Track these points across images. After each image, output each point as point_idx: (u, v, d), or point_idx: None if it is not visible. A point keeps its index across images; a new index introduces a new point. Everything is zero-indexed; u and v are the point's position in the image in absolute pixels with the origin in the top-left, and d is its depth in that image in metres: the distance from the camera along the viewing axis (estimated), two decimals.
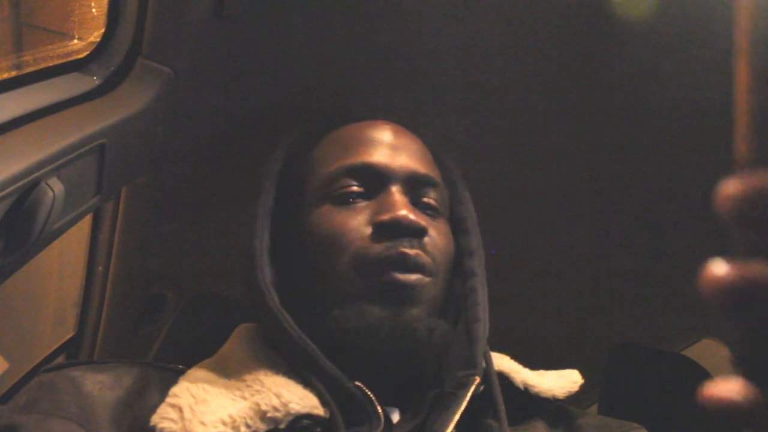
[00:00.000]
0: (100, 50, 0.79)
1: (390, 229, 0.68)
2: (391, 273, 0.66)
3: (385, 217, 0.68)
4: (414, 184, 0.73)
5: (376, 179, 0.71)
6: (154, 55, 0.80)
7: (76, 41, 0.81)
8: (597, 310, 1.28)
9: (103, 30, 0.79)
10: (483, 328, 0.70)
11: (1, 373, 1.45)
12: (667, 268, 1.18)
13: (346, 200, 0.71)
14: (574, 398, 0.74)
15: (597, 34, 0.87)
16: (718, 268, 0.22)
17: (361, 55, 0.91)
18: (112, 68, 0.79)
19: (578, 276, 1.22)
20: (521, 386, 0.70)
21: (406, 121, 0.79)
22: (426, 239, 0.70)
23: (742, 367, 0.23)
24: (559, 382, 0.72)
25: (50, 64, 0.76)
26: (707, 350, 1.30)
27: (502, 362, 0.73)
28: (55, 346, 1.45)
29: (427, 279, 0.68)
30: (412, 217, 0.68)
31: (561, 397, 0.71)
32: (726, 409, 0.23)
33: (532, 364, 0.75)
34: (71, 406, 0.60)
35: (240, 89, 0.93)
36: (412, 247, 0.68)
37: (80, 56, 0.79)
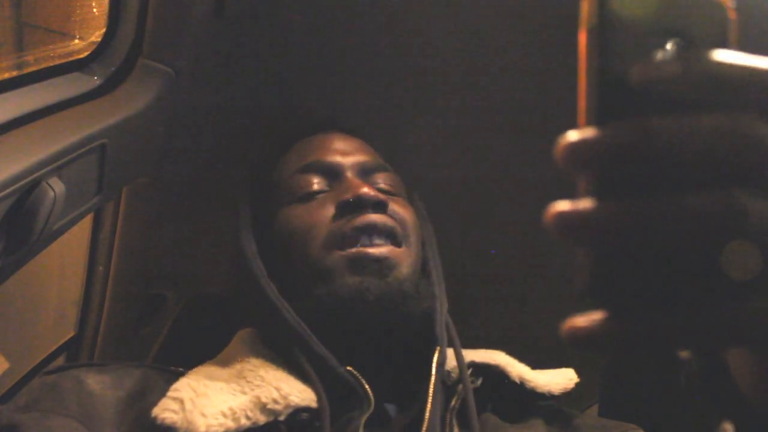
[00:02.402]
0: (101, 50, 0.79)
1: (353, 206, 0.72)
2: (360, 247, 0.70)
3: (347, 196, 0.73)
4: (366, 172, 0.79)
5: (331, 173, 0.77)
6: (155, 55, 0.80)
7: (77, 41, 0.81)
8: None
9: (104, 30, 0.79)
10: (440, 304, 0.73)
11: (1, 373, 1.45)
12: None
13: (309, 197, 0.76)
14: (574, 398, 0.74)
15: None
16: (558, 205, 0.25)
17: (360, 54, 0.91)
18: (113, 68, 0.79)
19: None
20: (517, 380, 0.71)
21: (358, 131, 0.86)
22: (389, 211, 0.74)
23: (590, 296, 0.25)
24: (555, 378, 0.73)
25: (51, 64, 0.76)
26: None
27: (498, 357, 0.74)
28: (55, 346, 1.45)
29: (398, 249, 0.72)
30: (371, 192, 0.73)
31: (557, 394, 0.72)
32: (584, 339, 0.25)
33: (532, 363, 0.76)
34: (72, 404, 0.61)
35: (240, 89, 0.93)
36: (376, 215, 0.72)
37: (81, 56, 0.78)
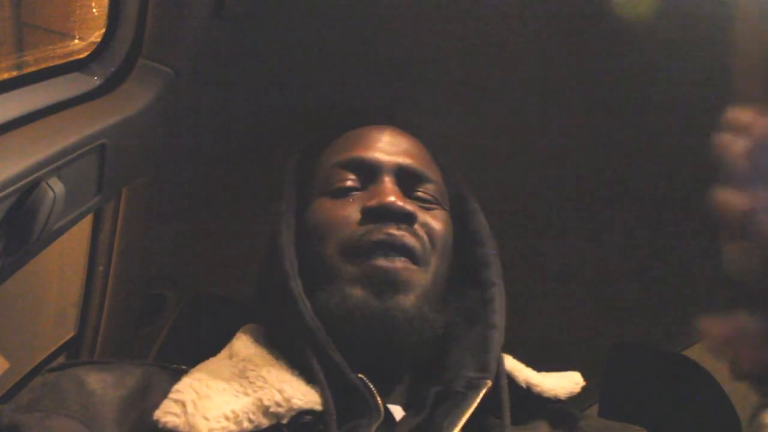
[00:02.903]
0: (100, 50, 0.79)
1: (377, 215, 0.70)
2: (374, 261, 0.67)
3: (373, 202, 0.70)
4: (406, 178, 0.75)
5: (368, 171, 0.74)
6: (155, 55, 0.80)
7: (76, 41, 0.81)
8: (597, 311, 1.28)
9: (103, 30, 0.78)
10: (499, 335, 0.71)
11: (2, 373, 1.45)
12: (668, 268, 1.18)
13: (341, 193, 0.74)
14: (574, 398, 0.74)
15: (597, 33, 0.87)
16: (727, 194, 0.24)
17: (361, 55, 0.91)
18: (113, 68, 0.79)
19: (579, 276, 1.22)
20: (524, 385, 0.71)
21: (410, 127, 0.82)
22: (416, 226, 0.71)
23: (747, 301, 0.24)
24: (561, 382, 0.73)
25: (51, 64, 0.76)
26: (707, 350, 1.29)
27: (505, 361, 0.73)
28: (55, 346, 1.45)
29: (413, 266, 0.69)
30: (399, 202, 0.70)
31: (563, 398, 0.72)
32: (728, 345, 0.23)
33: (533, 364, 0.76)
34: (73, 404, 0.60)
35: (240, 89, 0.93)
36: (399, 230, 0.69)
37: (81, 56, 0.78)
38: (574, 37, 0.88)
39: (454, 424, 0.61)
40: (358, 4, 0.85)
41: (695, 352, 1.28)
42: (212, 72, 0.88)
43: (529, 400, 0.71)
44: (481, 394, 0.65)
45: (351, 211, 0.71)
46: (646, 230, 1.13)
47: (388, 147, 0.77)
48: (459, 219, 0.80)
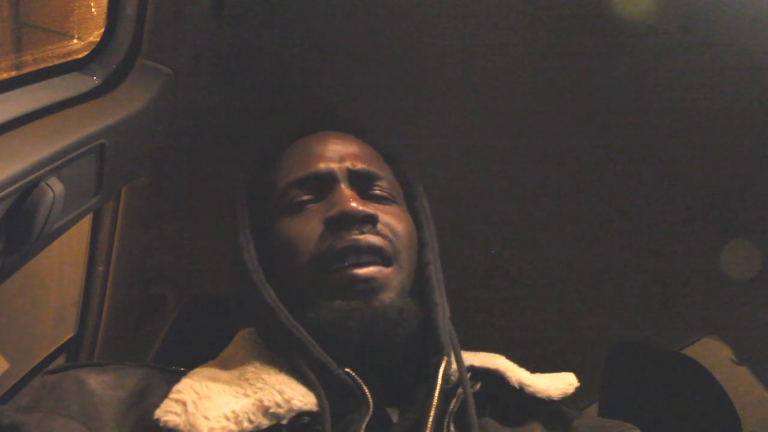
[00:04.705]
0: (99, 50, 0.79)
1: (340, 222, 0.71)
2: (347, 270, 0.69)
3: (333, 211, 0.72)
4: (359, 180, 0.77)
5: (323, 183, 0.76)
6: (154, 55, 0.80)
7: (75, 41, 0.81)
8: (597, 310, 1.28)
9: (102, 30, 0.78)
10: (441, 311, 0.72)
11: (1, 373, 1.45)
12: (667, 267, 1.18)
13: (299, 207, 0.75)
14: (573, 398, 0.74)
15: (597, 34, 0.87)
16: None
17: (360, 55, 0.91)
18: (112, 68, 0.79)
19: (578, 276, 1.22)
20: (516, 385, 0.71)
21: (353, 127, 0.85)
22: (380, 225, 0.73)
23: None
24: (555, 383, 0.73)
25: (50, 64, 0.76)
26: (707, 350, 1.30)
27: (497, 361, 0.73)
28: (55, 347, 1.45)
29: (387, 269, 0.71)
30: (360, 207, 0.71)
31: (556, 398, 0.72)
32: None
33: (532, 364, 0.76)
34: (74, 404, 0.61)
35: (240, 89, 0.93)
36: (362, 233, 0.70)
37: (80, 56, 0.78)
38: (573, 37, 0.88)
39: (428, 415, 0.63)
40: (357, 4, 0.85)
41: (695, 352, 1.28)
42: (211, 72, 0.88)
43: (522, 401, 0.72)
44: (440, 372, 0.66)
45: (313, 224, 0.73)
46: (645, 230, 1.13)
47: (335, 153, 0.79)
48: (406, 203, 0.82)
